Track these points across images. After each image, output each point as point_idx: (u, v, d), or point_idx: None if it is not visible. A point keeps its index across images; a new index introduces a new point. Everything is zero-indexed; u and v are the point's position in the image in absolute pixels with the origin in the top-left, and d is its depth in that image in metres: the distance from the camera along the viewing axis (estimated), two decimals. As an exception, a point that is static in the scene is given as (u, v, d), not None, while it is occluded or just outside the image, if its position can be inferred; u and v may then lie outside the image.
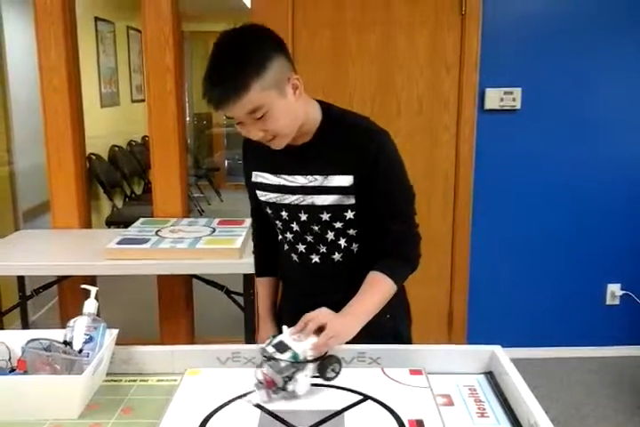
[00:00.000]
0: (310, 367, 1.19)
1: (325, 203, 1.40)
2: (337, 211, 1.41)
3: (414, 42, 2.98)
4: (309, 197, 1.40)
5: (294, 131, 1.34)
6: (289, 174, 1.42)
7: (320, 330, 1.24)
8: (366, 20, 2.96)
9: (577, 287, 3.23)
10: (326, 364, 1.21)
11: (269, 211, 1.50)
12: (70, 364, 1.21)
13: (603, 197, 3.15)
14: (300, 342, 1.21)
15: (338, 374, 1.23)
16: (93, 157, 5.15)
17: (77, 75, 2.96)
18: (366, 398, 1.19)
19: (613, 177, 3.13)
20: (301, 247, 1.49)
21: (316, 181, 1.39)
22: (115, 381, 1.33)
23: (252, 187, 1.52)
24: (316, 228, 1.44)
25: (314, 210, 1.42)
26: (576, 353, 3.24)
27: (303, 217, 1.44)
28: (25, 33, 3.79)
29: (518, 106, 3.03)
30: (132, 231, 2.60)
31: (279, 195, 1.44)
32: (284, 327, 1.26)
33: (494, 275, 3.21)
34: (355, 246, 1.47)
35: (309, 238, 1.47)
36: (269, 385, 1.17)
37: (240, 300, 2.58)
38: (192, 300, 3.12)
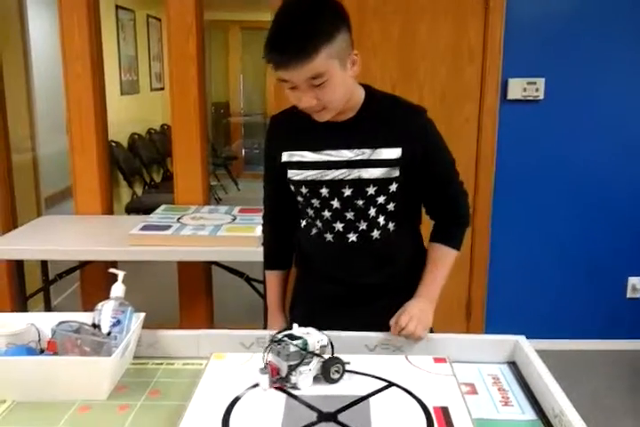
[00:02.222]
0: (315, 363, 1.18)
1: (373, 176, 1.41)
2: (383, 184, 1.42)
3: (437, 30, 2.96)
4: (356, 170, 1.41)
5: (342, 105, 1.37)
6: (334, 149, 1.42)
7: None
8: (388, 8, 2.94)
9: (598, 280, 3.21)
10: (330, 363, 1.19)
11: (304, 190, 1.47)
12: (99, 346, 1.23)
13: (626, 188, 3.12)
14: (309, 335, 1.20)
15: (341, 376, 1.21)
16: (113, 145, 5.19)
17: (100, 62, 2.97)
18: (391, 384, 1.19)
19: (636, 168, 3.10)
20: (339, 226, 1.48)
21: (364, 154, 1.40)
22: (141, 364, 1.35)
23: (280, 169, 1.49)
24: (360, 202, 1.44)
25: (360, 184, 1.42)
26: (596, 346, 3.23)
27: (347, 192, 1.43)
28: (48, 20, 3.82)
29: (541, 96, 3.00)
30: (154, 218, 2.62)
31: (320, 171, 1.43)
32: (295, 325, 1.23)
33: (514, 266, 3.20)
34: (391, 225, 1.48)
35: (349, 215, 1.46)
36: (273, 373, 1.17)
37: (259, 287, 2.60)
38: (212, 287, 3.14)
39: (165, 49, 3.25)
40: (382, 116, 1.42)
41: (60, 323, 1.25)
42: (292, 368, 1.16)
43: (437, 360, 1.29)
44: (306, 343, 1.17)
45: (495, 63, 2.97)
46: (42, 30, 3.88)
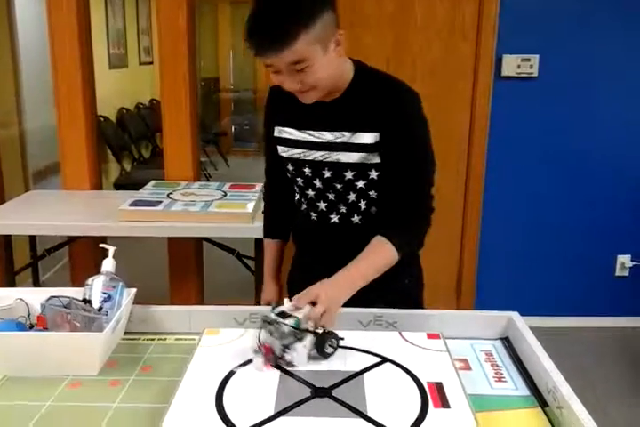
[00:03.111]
0: (309, 339, 1.17)
1: (351, 160, 1.38)
2: (361, 169, 1.39)
3: (432, 5, 2.92)
4: (335, 153, 1.38)
5: (329, 86, 1.33)
6: (315, 130, 1.40)
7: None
8: (383, -18, 2.89)
9: (587, 258, 3.23)
10: (324, 339, 1.18)
11: (291, 167, 1.47)
12: (90, 321, 1.22)
13: (616, 166, 3.12)
14: (300, 312, 1.19)
15: (335, 349, 1.20)
16: (102, 120, 5.11)
17: (88, 35, 2.91)
18: (385, 360, 1.19)
19: (628, 147, 3.10)
20: (322, 206, 1.47)
21: (343, 137, 1.37)
22: (133, 339, 1.33)
23: (273, 142, 1.49)
24: (339, 186, 1.42)
25: (338, 167, 1.40)
26: (585, 323, 3.26)
27: (327, 174, 1.42)
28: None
29: (535, 73, 2.98)
30: (144, 193, 2.59)
31: (303, 151, 1.42)
32: (286, 300, 1.23)
33: (504, 244, 3.21)
34: (373, 210, 1.45)
35: (331, 196, 1.45)
36: (267, 353, 1.15)
37: (250, 264, 2.59)
38: (202, 263, 3.13)
39: (155, 23, 3.18)
40: (366, 98, 1.35)
41: (51, 298, 1.24)
42: (285, 347, 1.14)
43: (431, 336, 1.29)
44: (298, 322, 1.16)
45: (489, 39, 2.93)
46: (28, 2, 3.79)
